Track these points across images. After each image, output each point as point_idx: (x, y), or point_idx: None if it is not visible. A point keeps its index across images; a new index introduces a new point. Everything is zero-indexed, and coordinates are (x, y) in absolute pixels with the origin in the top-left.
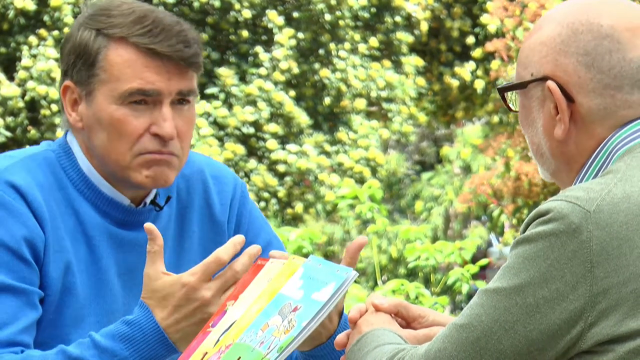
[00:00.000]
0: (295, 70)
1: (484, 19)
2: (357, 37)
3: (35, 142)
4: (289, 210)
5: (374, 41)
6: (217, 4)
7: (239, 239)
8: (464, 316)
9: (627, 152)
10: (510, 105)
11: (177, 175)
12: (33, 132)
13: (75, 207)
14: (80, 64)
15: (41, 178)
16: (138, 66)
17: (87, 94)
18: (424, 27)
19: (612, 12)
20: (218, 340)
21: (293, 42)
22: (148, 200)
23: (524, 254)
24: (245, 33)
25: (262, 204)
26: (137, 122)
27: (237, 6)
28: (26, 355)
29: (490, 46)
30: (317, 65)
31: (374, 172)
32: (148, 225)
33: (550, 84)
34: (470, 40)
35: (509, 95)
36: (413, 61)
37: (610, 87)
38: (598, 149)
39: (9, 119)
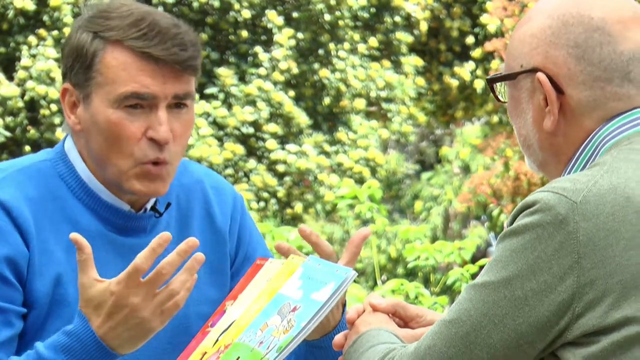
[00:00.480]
0: (295, 70)
1: (483, 18)
2: (356, 37)
3: (34, 142)
4: (289, 210)
5: (373, 41)
6: (216, 4)
7: (158, 241)
8: (453, 312)
9: (614, 145)
10: (499, 96)
11: (176, 185)
12: (32, 132)
13: (73, 216)
14: (78, 67)
15: (30, 191)
16: (133, 69)
17: (84, 96)
18: (424, 27)
19: (603, 5)
20: (217, 339)
21: (292, 42)
22: (148, 206)
23: (511, 246)
24: (244, 33)
25: (262, 204)
26: (133, 127)
27: (236, 6)
28: None
29: (489, 46)
30: (316, 65)
31: (373, 172)
32: (73, 235)
33: (540, 75)
34: (470, 40)
35: (498, 86)
36: (412, 61)
37: (600, 80)
38: (586, 142)
39: (9, 119)
